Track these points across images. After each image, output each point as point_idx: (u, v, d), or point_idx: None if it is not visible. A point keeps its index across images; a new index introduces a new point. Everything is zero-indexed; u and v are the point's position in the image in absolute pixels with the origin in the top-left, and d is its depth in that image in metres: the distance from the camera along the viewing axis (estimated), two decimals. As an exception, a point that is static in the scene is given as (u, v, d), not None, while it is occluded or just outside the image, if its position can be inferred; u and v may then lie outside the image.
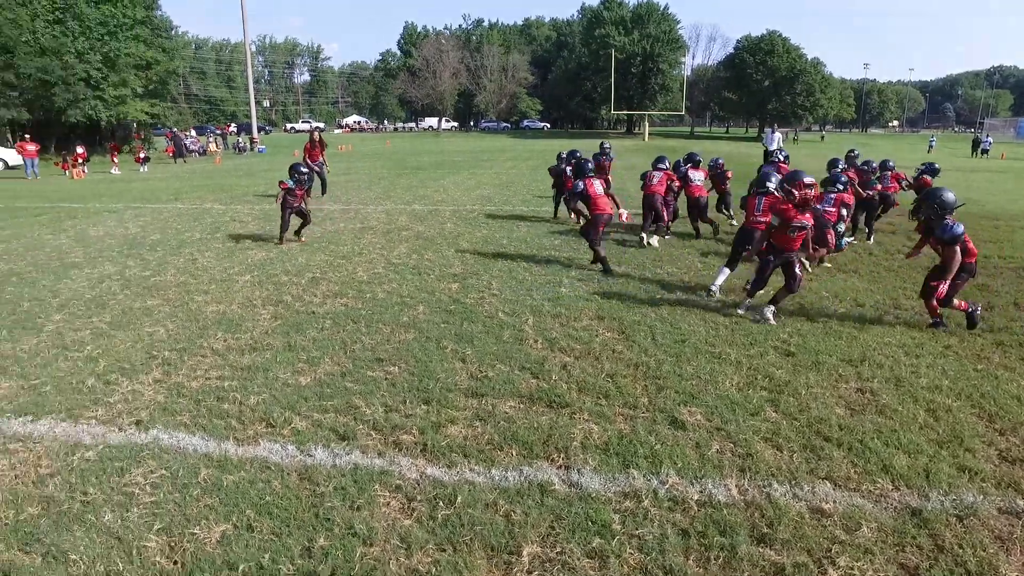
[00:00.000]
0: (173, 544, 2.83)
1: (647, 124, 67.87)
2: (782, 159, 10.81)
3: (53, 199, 16.91)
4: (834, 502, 3.14)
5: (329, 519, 2.99)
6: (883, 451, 3.59)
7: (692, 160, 10.46)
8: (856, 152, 11.04)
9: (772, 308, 5.98)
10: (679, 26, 76.96)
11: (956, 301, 5.75)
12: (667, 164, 10.09)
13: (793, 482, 3.31)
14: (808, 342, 5.35)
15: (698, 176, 10.16)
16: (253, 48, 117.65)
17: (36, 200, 16.76)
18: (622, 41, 72.08)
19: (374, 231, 10.69)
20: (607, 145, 13.11)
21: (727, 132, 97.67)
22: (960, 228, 5.53)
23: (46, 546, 2.82)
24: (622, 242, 9.64)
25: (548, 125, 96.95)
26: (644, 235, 9.48)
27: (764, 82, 76.38)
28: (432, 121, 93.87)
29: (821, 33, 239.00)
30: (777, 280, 6.30)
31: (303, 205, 9.68)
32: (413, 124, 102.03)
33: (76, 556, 2.75)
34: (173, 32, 53.50)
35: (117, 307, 6.34)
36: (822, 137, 75.37)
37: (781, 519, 2.99)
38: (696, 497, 3.18)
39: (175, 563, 2.71)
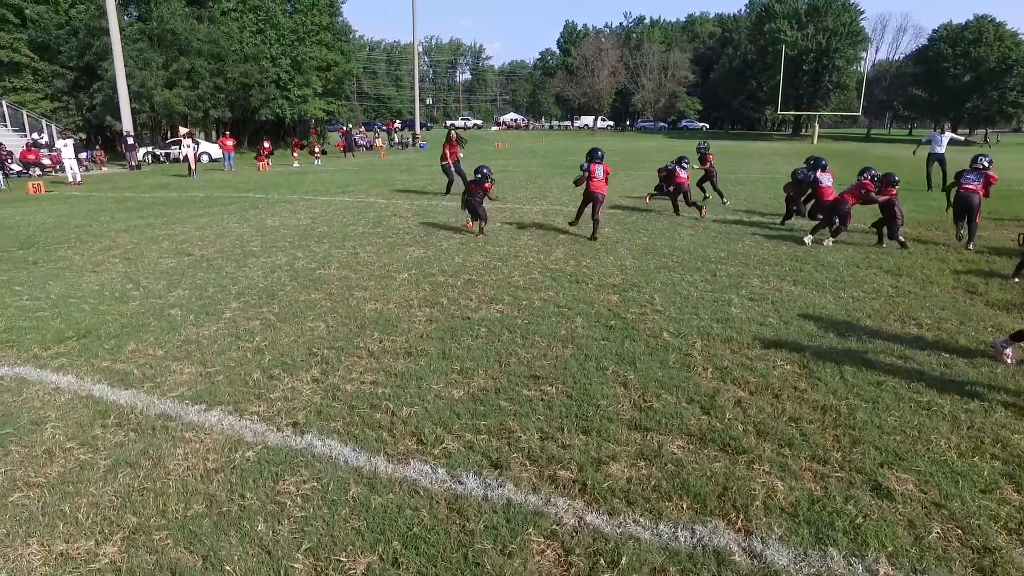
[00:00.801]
0: (319, 569, 2.67)
1: (817, 125, 62.49)
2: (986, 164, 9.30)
3: (241, 189, 18.64)
4: None
5: (479, 564, 2.69)
6: None
7: (819, 164, 11.10)
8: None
9: None
10: (862, 17, 70.16)
11: None
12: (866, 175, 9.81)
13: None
14: (1058, 401, 4.29)
15: (827, 179, 10.83)
16: (420, 48, 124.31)
17: (228, 190, 18.56)
18: (794, 36, 67.16)
19: (531, 232, 10.50)
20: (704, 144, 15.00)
21: (910, 134, 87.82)
22: None
23: (207, 548, 2.78)
24: (794, 255, 8.63)
25: (707, 125, 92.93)
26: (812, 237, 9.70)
27: (964, 76, 67.69)
28: (588, 120, 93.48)
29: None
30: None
31: (481, 200, 10.30)
32: (568, 122, 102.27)
33: (231, 567, 2.67)
34: (351, 36, 57.43)
35: (285, 298, 6.60)
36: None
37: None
38: (930, 604, 2.50)
39: (320, 595, 2.54)
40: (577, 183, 10.44)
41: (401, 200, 15.18)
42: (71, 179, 23.21)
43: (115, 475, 3.35)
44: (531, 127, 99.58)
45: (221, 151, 30.34)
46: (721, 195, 14.19)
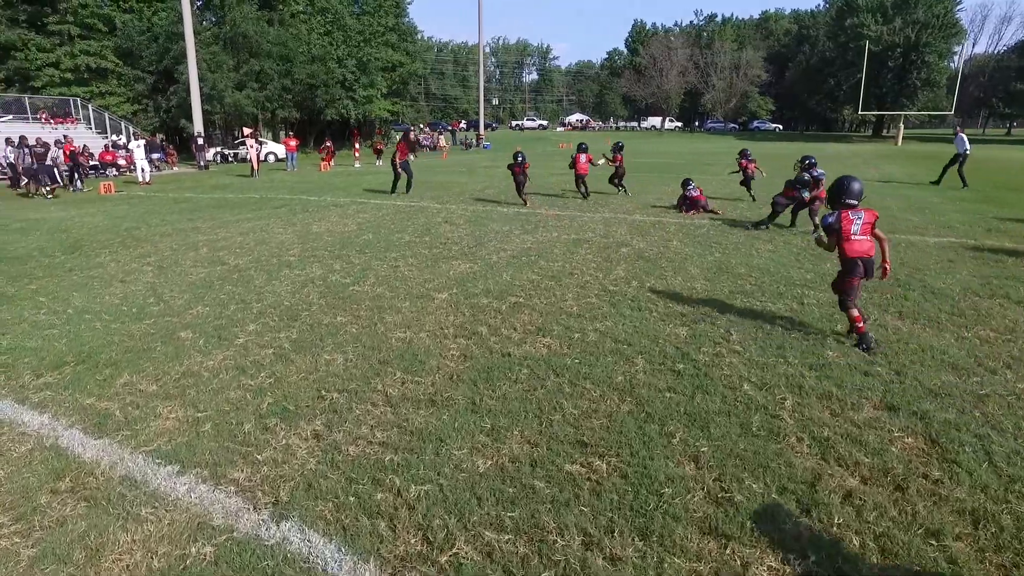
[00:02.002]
0: None
1: (902, 126, 58.37)
2: None
3: (296, 191, 18.38)
4: None
5: None
6: None
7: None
8: None
9: None
10: (958, 7, 65.09)
11: None
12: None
13: None
14: None
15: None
16: (487, 49, 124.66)
17: (284, 192, 18.35)
18: (878, 31, 62.97)
19: (589, 245, 9.54)
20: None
21: (1008, 133, 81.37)
22: None
23: None
24: (894, 279, 7.34)
25: (779, 127, 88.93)
26: None
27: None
28: (655, 120, 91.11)
29: None
30: None
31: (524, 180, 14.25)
32: (635, 123, 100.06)
33: None
34: (417, 37, 57.65)
35: (307, 321, 5.90)
36: None
37: None
38: None
39: None
40: (570, 167, 15.17)
41: (455, 205, 14.48)
42: (141, 179, 23.69)
43: (34, 573, 2.65)
44: (595, 127, 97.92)
45: (285, 151, 30.62)
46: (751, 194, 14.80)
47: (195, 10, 39.11)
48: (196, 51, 32.77)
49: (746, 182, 14.86)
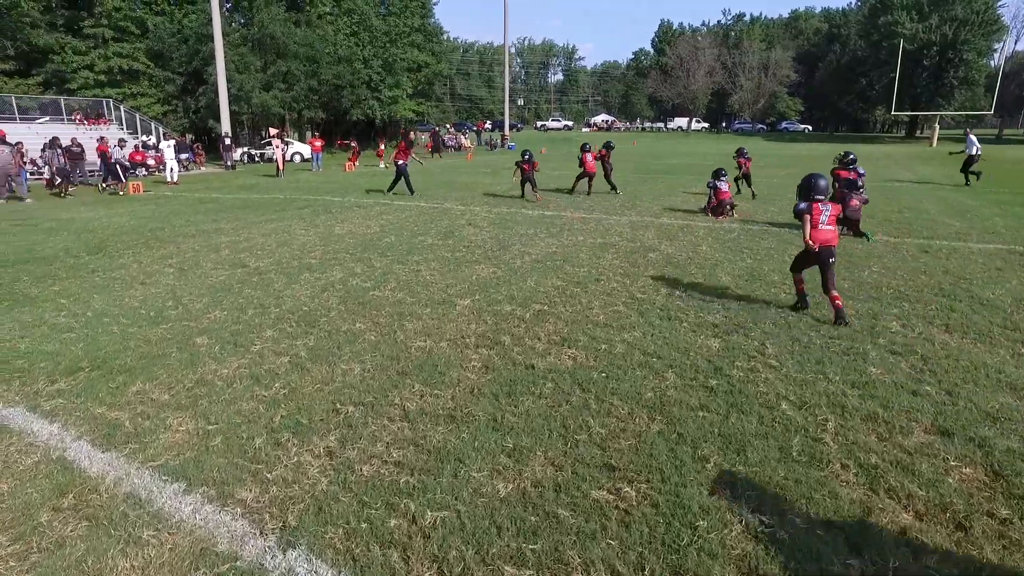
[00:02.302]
0: None
1: (937, 126, 56.69)
2: None
3: (321, 192, 18.38)
4: None
5: None
6: None
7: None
8: None
9: None
10: (1000, 3, 62.99)
11: None
12: None
13: None
14: None
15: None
16: (512, 50, 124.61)
17: (308, 192, 18.36)
18: (914, 28, 61.31)
19: (616, 249, 9.28)
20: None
21: (1050, 135, 78.81)
22: None
23: None
24: (939, 288, 6.95)
25: (809, 127, 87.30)
26: None
27: None
28: (681, 121, 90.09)
29: None
30: None
31: (530, 175, 15.30)
32: (661, 124, 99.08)
33: None
34: (443, 37, 57.70)
35: (325, 327, 5.75)
36: None
37: None
38: None
39: None
40: (580, 166, 16.23)
41: (479, 207, 14.30)
42: (169, 178, 23.99)
43: (28, 604, 2.51)
44: (620, 127, 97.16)
45: (310, 151, 30.79)
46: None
47: (224, 12, 39.60)
48: (224, 52, 33.14)
49: (747, 179, 15.87)
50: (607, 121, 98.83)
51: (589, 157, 15.92)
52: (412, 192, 16.86)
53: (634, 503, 3.09)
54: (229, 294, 7.01)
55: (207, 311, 6.36)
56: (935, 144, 51.22)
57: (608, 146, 16.77)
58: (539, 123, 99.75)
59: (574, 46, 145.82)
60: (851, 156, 11.18)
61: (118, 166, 22.12)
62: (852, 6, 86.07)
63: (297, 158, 35.64)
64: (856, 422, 3.94)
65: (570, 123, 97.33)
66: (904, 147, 49.79)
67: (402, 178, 16.84)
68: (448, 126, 67.50)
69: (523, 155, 15.50)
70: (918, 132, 72.65)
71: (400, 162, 16.73)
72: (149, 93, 38.39)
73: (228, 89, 34.43)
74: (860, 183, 10.71)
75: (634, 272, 7.82)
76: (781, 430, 3.82)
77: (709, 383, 4.48)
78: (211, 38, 32.86)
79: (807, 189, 6.04)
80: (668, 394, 4.30)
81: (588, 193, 16.38)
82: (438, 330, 5.65)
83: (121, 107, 34.96)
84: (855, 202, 10.06)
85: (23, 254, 9.56)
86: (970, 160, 18.56)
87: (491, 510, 3.03)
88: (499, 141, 51.96)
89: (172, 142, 27.20)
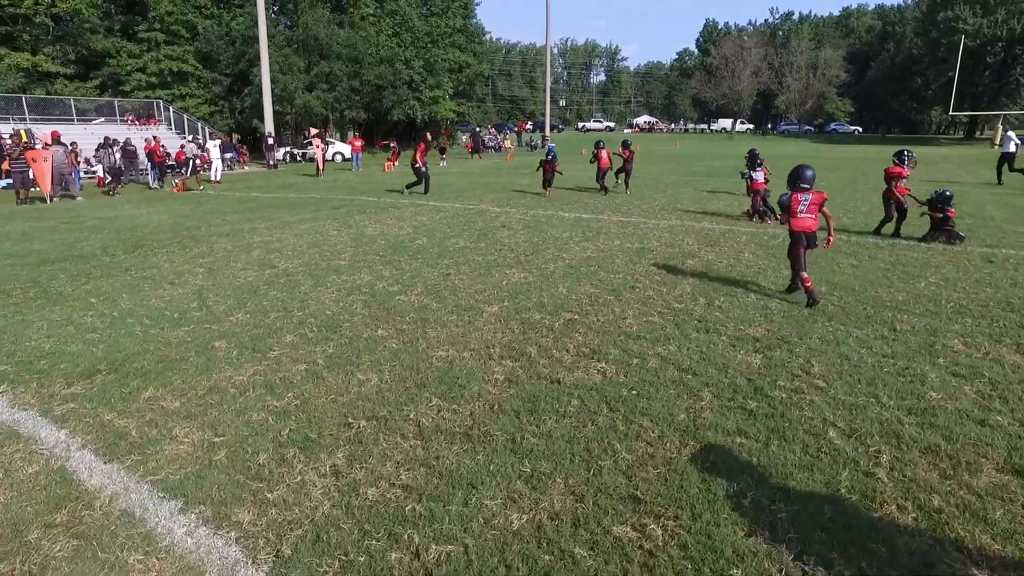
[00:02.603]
0: None
1: (1000, 127, 53.97)
2: None
3: (357, 192, 18.40)
4: None
5: None
6: None
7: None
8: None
9: None
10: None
11: None
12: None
13: None
14: None
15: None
16: (555, 51, 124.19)
17: (345, 192, 18.40)
18: (977, 23, 58.51)
19: (654, 255, 8.91)
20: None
21: None
22: None
23: None
24: (1006, 302, 6.39)
25: (859, 129, 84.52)
26: None
27: None
28: (725, 122, 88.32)
29: None
30: None
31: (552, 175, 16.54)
32: (705, 125, 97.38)
33: None
34: (485, 37, 57.65)
35: (346, 334, 5.56)
36: None
37: None
38: None
39: None
40: (591, 162, 17.32)
41: (515, 209, 14.06)
42: (214, 177, 24.47)
43: (0, 636, 2.35)
44: (662, 129, 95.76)
45: (350, 151, 31.06)
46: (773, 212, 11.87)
47: (271, 15, 40.32)
48: (269, 54, 33.69)
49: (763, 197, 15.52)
50: (649, 122, 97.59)
51: (604, 154, 16.93)
52: (425, 192, 17.30)
53: (660, 543, 2.78)
54: (254, 296, 6.91)
55: (230, 313, 6.26)
56: (996, 145, 48.85)
57: (625, 144, 17.82)
58: (580, 124, 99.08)
59: (617, 46, 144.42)
60: (908, 154, 10.76)
61: (190, 164, 22.86)
62: (908, 2, 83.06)
63: (338, 158, 36.04)
64: (914, 455, 3.54)
65: (612, 124, 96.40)
66: (963, 149, 47.68)
67: (423, 180, 17.28)
68: (490, 127, 67.51)
69: (547, 153, 16.93)
70: (978, 133, 69.54)
71: (416, 165, 17.21)
72: (197, 94, 39.31)
73: (272, 90, 35.02)
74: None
75: (672, 280, 7.45)
76: (828, 462, 3.45)
77: (748, 405, 4.12)
78: (257, 40, 33.42)
79: (794, 179, 6.59)
80: (703, 416, 3.96)
81: (603, 190, 17.09)
82: (462, 339, 5.41)
83: (170, 108, 35.90)
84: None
85: (64, 252, 9.70)
86: (1007, 157, 18.24)
87: (502, 545, 2.76)
88: (539, 142, 51.68)
89: (218, 141, 27.77)
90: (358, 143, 30.70)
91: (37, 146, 18.14)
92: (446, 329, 5.67)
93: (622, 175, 17.46)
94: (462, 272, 7.91)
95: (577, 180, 20.39)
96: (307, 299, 6.73)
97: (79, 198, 18.83)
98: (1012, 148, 18.42)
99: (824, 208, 6.48)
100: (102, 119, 34.43)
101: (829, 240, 6.64)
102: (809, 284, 6.36)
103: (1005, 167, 18.33)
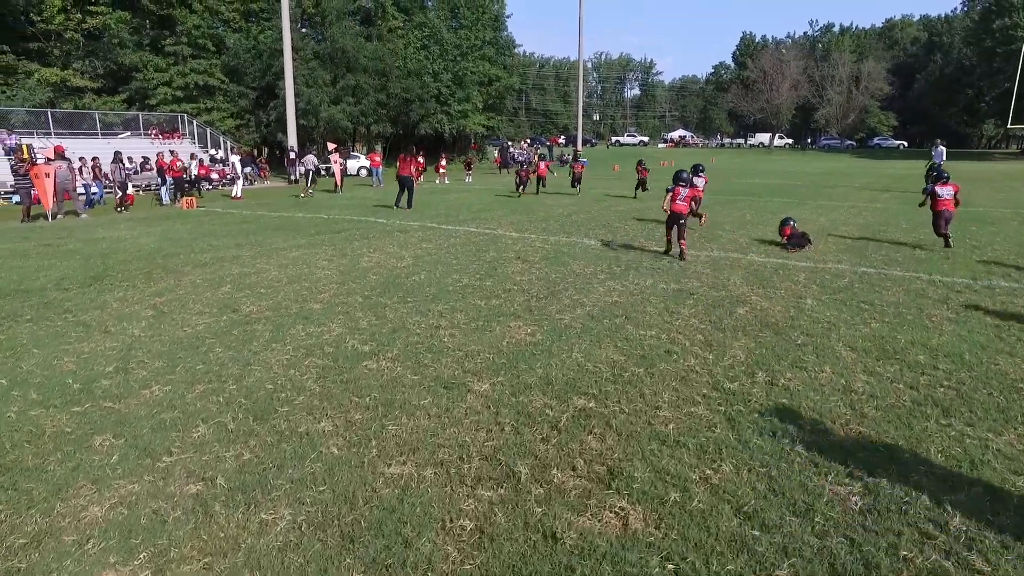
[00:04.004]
0: None
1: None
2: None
3: (368, 212, 17.10)
4: None
5: None
6: None
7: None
8: None
9: None
10: None
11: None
12: None
13: None
14: None
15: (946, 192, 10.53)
16: (589, 64, 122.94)
17: (356, 212, 17.14)
18: (1036, 30, 55.39)
19: (695, 300, 7.30)
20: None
21: None
22: None
23: None
24: None
25: (904, 143, 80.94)
26: None
27: None
28: (763, 137, 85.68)
29: None
30: None
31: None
32: (741, 140, 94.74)
33: None
34: (515, 50, 56.41)
35: (278, 427, 4.10)
36: None
37: None
38: None
39: None
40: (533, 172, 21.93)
41: (535, 234, 12.56)
42: (235, 193, 23.72)
43: None
44: (698, 144, 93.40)
45: (370, 166, 30.09)
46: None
47: (299, 29, 39.77)
48: (295, 66, 32.97)
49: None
50: (682, 137, 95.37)
51: (542, 165, 23.83)
52: (410, 207, 16.99)
53: None
54: (192, 355, 5.52)
55: (148, 383, 4.87)
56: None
57: (640, 163, 21.33)
58: (613, 138, 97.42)
59: (652, 60, 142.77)
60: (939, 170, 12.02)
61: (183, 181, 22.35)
62: (957, 12, 79.64)
63: (363, 172, 35.03)
64: None
65: (645, 138, 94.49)
66: (1020, 164, 44.70)
67: (406, 191, 16.93)
68: (524, 141, 66.18)
69: (540, 156, 18.56)
70: (1035, 147, 65.94)
71: (402, 176, 16.92)
72: (222, 107, 38.81)
73: (297, 103, 34.29)
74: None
75: (719, 340, 5.84)
76: None
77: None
78: (283, 52, 32.76)
79: (676, 178, 10.01)
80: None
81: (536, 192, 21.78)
82: (431, 441, 3.91)
83: (194, 122, 35.44)
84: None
85: (13, 284, 8.51)
86: None
87: None
88: (571, 157, 50.19)
89: (238, 157, 27.17)
90: (377, 158, 29.66)
91: (39, 161, 17.29)
92: (413, 421, 4.18)
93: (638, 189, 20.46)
94: (456, 323, 6.43)
95: (607, 195, 18.83)
96: (252, 362, 5.31)
97: (83, 215, 17.97)
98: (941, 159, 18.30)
99: (693, 203, 10.75)
100: (128, 133, 34.12)
101: (699, 216, 12.16)
102: (684, 246, 9.80)
103: None
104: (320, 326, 6.35)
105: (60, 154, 18.75)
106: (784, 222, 11.16)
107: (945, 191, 10.48)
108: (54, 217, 17.45)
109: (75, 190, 18.67)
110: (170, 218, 16.85)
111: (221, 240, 12.16)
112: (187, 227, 14.51)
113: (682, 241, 9.68)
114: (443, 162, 31.88)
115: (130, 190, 23.06)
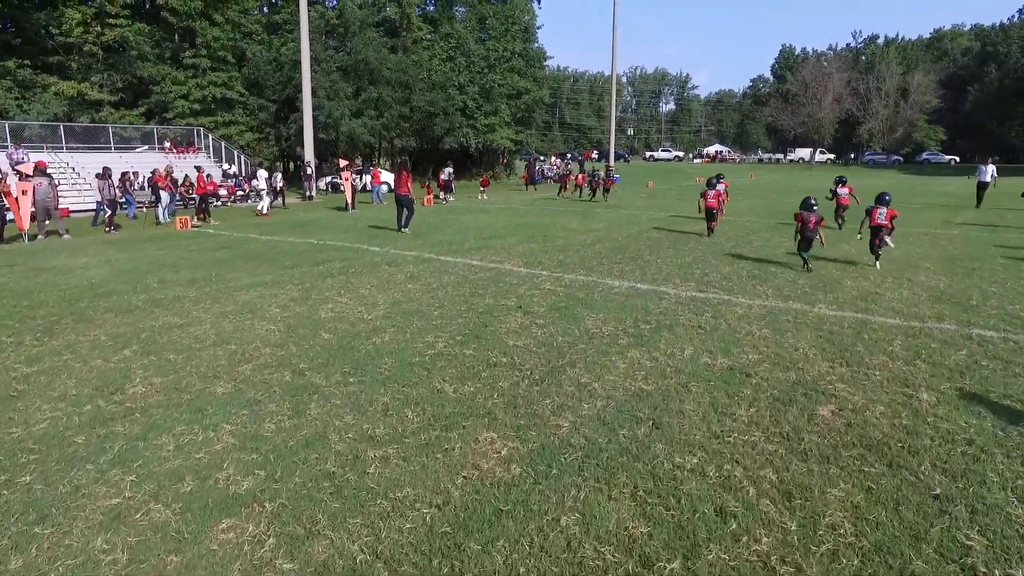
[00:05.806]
0: None
1: None
2: None
3: (362, 238, 15.21)
4: None
5: None
6: None
7: None
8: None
9: None
10: None
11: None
12: None
13: None
14: None
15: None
16: (624, 79, 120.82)
17: (349, 238, 15.28)
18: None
19: (753, 389, 5.11)
20: None
21: None
22: None
23: None
24: None
25: (956, 159, 76.64)
26: None
27: None
28: (803, 152, 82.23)
29: None
30: None
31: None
32: (780, 155, 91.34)
33: None
34: (545, 62, 54.44)
35: None
36: None
37: None
38: None
39: None
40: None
41: (547, 270, 10.41)
42: (261, 209, 22.88)
43: None
44: (735, 159, 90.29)
45: (371, 183, 28.53)
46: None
47: (322, 40, 38.55)
48: (316, 79, 31.63)
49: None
50: (718, 152, 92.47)
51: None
52: (399, 228, 16.22)
53: None
54: (-23, 494, 3.57)
55: None
56: None
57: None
58: (648, 153, 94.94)
59: (688, 74, 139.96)
60: None
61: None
62: (1014, 19, 75.47)
63: (384, 187, 33.39)
64: None
65: (680, 153, 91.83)
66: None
67: (404, 210, 16.11)
68: (554, 156, 64.18)
69: (539, 156, 15.36)
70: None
71: (401, 195, 16.17)
72: (240, 121, 37.69)
73: (316, 116, 32.94)
74: None
75: (801, 482, 3.66)
76: None
77: None
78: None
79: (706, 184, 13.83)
80: None
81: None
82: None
83: (210, 136, 34.35)
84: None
85: None
86: None
87: None
88: (603, 172, 47.98)
89: (266, 173, 26.38)
90: (381, 175, 28.15)
91: (10, 179, 15.90)
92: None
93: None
94: (400, 432, 4.36)
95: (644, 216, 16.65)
96: (48, 517, 3.33)
97: (66, 236, 16.50)
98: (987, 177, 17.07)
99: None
100: (145, 147, 33.18)
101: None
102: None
103: None
104: (204, 432, 4.35)
105: (42, 170, 17.36)
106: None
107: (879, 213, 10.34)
108: (32, 238, 16.03)
109: (56, 208, 17.23)
110: (153, 240, 15.26)
111: (179, 274, 10.35)
112: (159, 253, 12.82)
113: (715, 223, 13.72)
114: (404, 176, 30.15)
115: (134, 208, 21.98)
